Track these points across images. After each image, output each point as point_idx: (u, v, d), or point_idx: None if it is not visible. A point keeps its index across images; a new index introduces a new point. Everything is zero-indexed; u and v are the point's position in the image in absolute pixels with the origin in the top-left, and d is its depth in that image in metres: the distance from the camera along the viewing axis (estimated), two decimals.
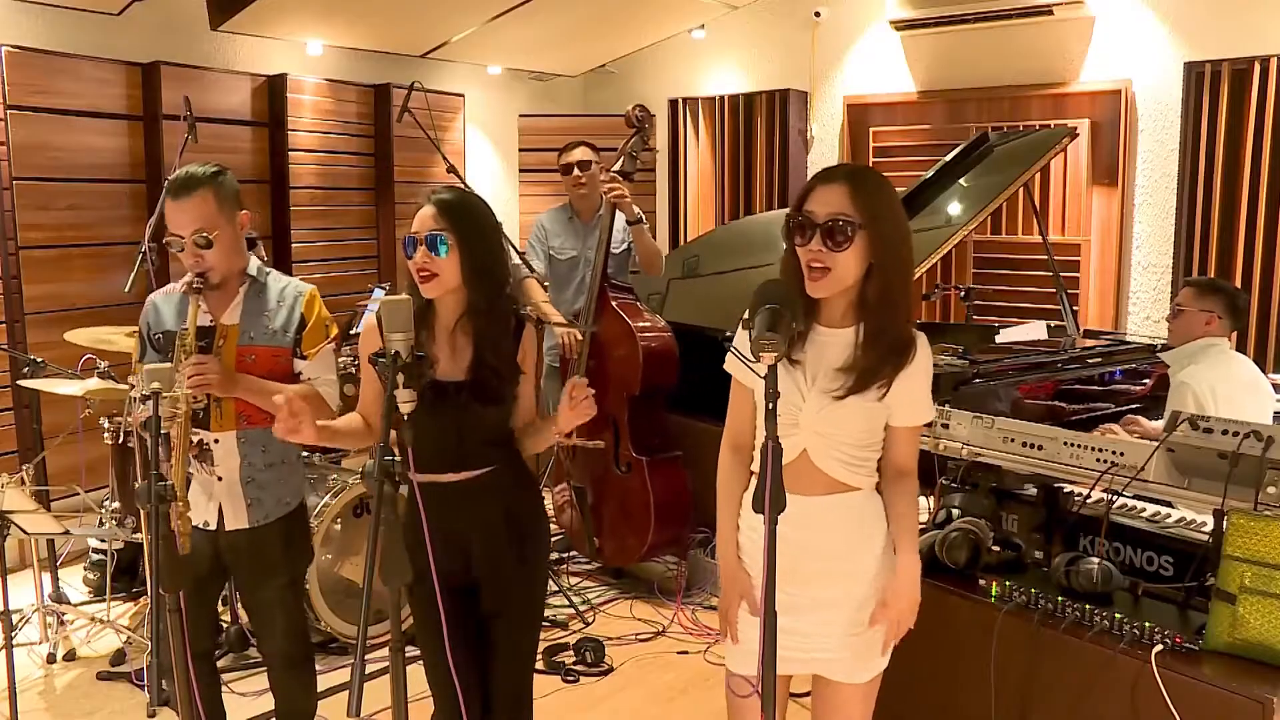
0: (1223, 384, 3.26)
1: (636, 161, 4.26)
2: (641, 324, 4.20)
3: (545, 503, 2.50)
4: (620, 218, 4.24)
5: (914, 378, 1.94)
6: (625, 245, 4.45)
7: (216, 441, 2.48)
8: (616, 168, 4.23)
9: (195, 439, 2.46)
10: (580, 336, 4.16)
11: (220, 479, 2.48)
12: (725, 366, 2.06)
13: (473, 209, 2.29)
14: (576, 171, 4.52)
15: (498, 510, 2.31)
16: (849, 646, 1.98)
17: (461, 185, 3.73)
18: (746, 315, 1.78)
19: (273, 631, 2.61)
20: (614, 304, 4.24)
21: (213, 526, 2.50)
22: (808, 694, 2.11)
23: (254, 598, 2.62)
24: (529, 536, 2.37)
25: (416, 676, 2.38)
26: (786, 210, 1.98)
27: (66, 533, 3.59)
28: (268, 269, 2.58)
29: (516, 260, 4.13)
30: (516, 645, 2.39)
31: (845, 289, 1.91)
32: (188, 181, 2.39)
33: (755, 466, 2.06)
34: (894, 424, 1.96)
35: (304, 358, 2.52)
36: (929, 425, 2.67)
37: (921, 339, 1.98)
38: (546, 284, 4.48)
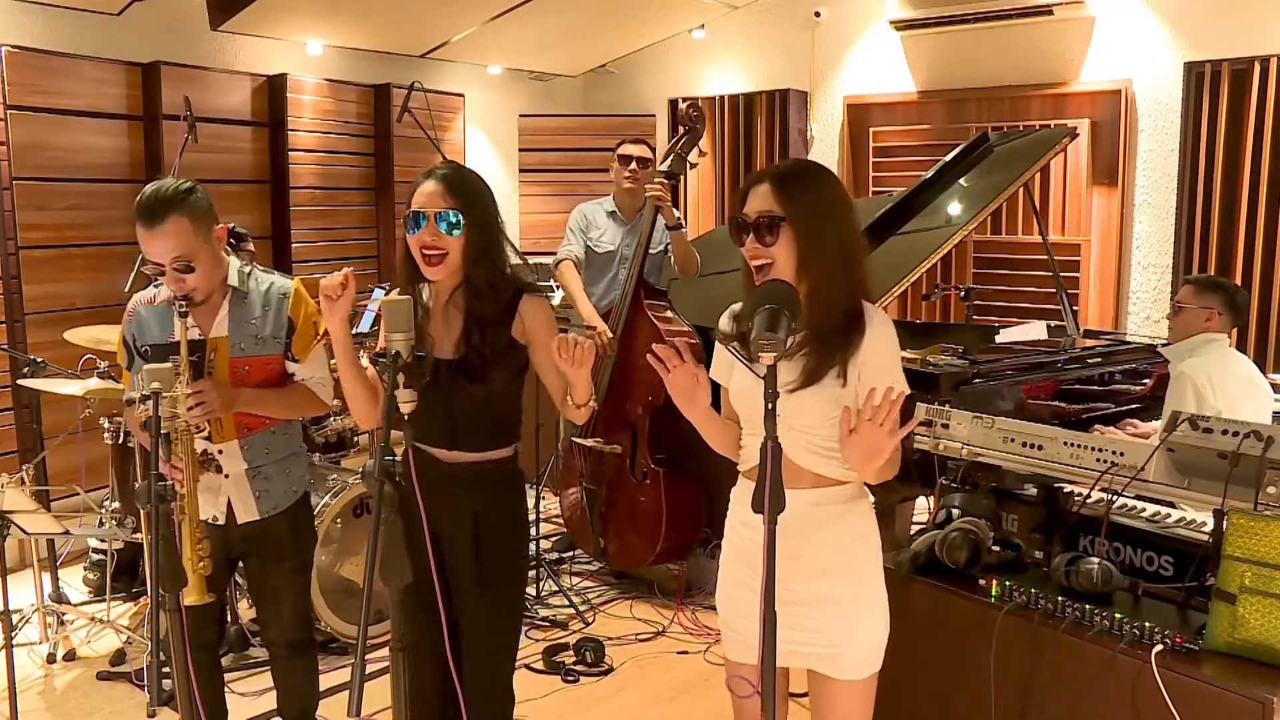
0: (1220, 377, 3.29)
1: (685, 162, 4.14)
2: (672, 331, 4.09)
3: (528, 504, 2.46)
4: (661, 220, 4.13)
5: (870, 355, 1.92)
6: (662, 246, 4.32)
7: (220, 452, 2.49)
8: (664, 167, 4.11)
9: (199, 449, 2.46)
10: (607, 337, 4.08)
11: (227, 476, 2.50)
12: (711, 374, 2.08)
13: (479, 186, 2.27)
14: (635, 165, 4.31)
15: (467, 515, 2.29)
16: (839, 642, 1.97)
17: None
18: (732, 311, 1.78)
19: (279, 617, 2.63)
20: (647, 310, 4.14)
21: (221, 521, 2.51)
22: (806, 694, 2.10)
23: (262, 583, 2.63)
24: (495, 553, 2.32)
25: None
26: None
27: (66, 533, 3.58)
28: (248, 267, 2.54)
29: (517, 260, 4.09)
30: (482, 649, 2.35)
31: (792, 280, 1.91)
32: (157, 207, 2.29)
33: (743, 466, 2.07)
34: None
35: (296, 360, 2.52)
36: (928, 425, 2.68)
37: (876, 314, 1.95)
38: (579, 269, 4.38)
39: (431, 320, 2.27)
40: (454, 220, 2.17)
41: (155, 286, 2.52)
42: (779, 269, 1.91)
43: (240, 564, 2.67)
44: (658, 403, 4.06)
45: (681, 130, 4.14)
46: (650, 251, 4.21)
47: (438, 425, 2.26)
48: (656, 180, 4.03)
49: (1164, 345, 3.62)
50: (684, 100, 4.14)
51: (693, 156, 4.17)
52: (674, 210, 4.12)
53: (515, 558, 2.42)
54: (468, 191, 2.22)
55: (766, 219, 1.90)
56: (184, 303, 2.34)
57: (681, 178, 4.12)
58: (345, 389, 2.28)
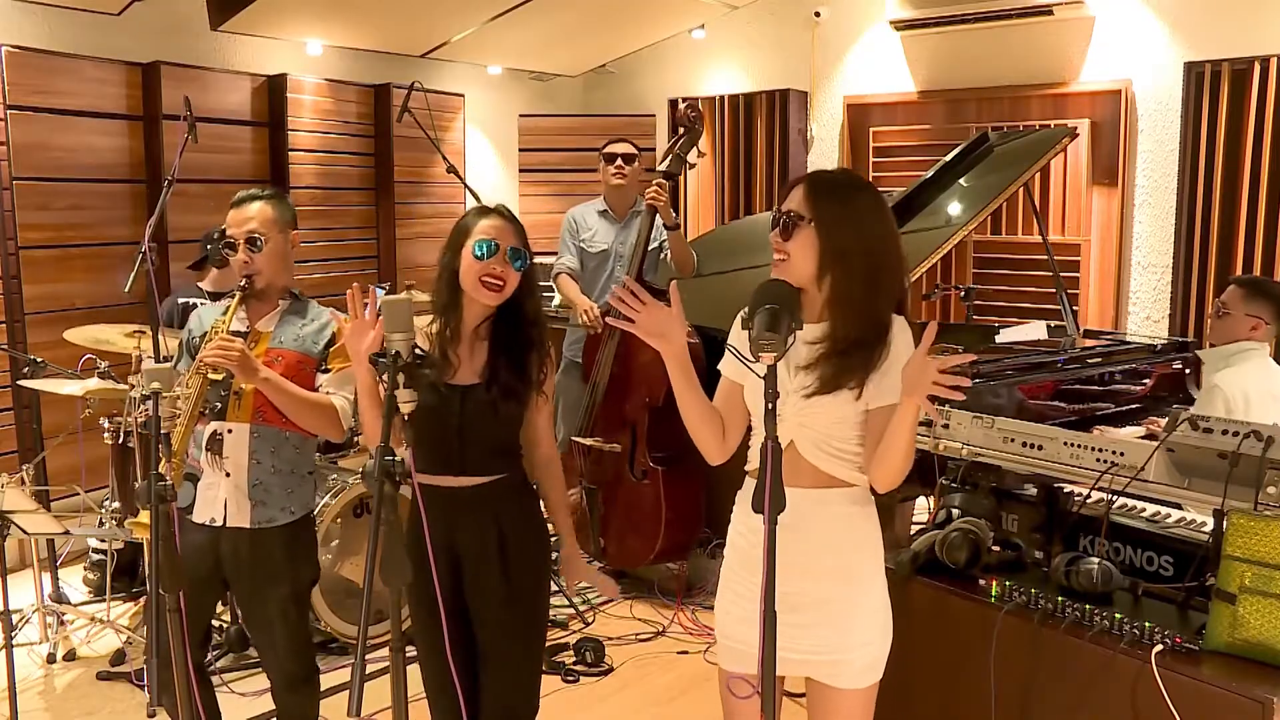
0: (1256, 391, 3.15)
1: (684, 163, 4.16)
2: None
3: (547, 524, 2.48)
4: (659, 220, 4.15)
5: (890, 370, 1.92)
6: (658, 244, 4.35)
7: (230, 431, 2.49)
8: (662, 168, 4.14)
9: (209, 430, 2.49)
10: (598, 313, 4.15)
11: (228, 474, 2.49)
12: (719, 367, 2.07)
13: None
14: (620, 162, 4.42)
15: (491, 531, 2.30)
16: (837, 649, 1.96)
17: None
18: (745, 313, 1.79)
19: (273, 647, 2.58)
20: None
21: (218, 523, 2.51)
22: (804, 694, 2.10)
23: (254, 610, 2.59)
24: (522, 566, 2.33)
25: (416, 676, 2.38)
26: None
27: (66, 533, 3.59)
28: (309, 298, 2.69)
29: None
30: (509, 672, 2.38)
31: (811, 282, 1.96)
32: (253, 194, 2.64)
33: (749, 466, 2.06)
34: (870, 407, 1.94)
35: (326, 370, 2.57)
36: (928, 425, 2.67)
37: (902, 332, 1.95)
38: (576, 279, 4.46)
39: (461, 344, 2.31)
40: (523, 256, 2.30)
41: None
42: (793, 267, 1.95)
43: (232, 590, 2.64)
44: (656, 402, 4.08)
45: (680, 131, 4.17)
46: (647, 249, 4.25)
47: (445, 448, 2.26)
48: (655, 181, 4.07)
49: (1204, 350, 3.48)
50: (684, 100, 4.18)
51: (691, 157, 4.19)
52: (672, 211, 4.17)
53: (543, 574, 2.44)
54: (524, 235, 2.36)
55: (791, 215, 1.95)
56: (246, 280, 2.53)
57: (680, 178, 4.16)
58: (363, 417, 2.31)
